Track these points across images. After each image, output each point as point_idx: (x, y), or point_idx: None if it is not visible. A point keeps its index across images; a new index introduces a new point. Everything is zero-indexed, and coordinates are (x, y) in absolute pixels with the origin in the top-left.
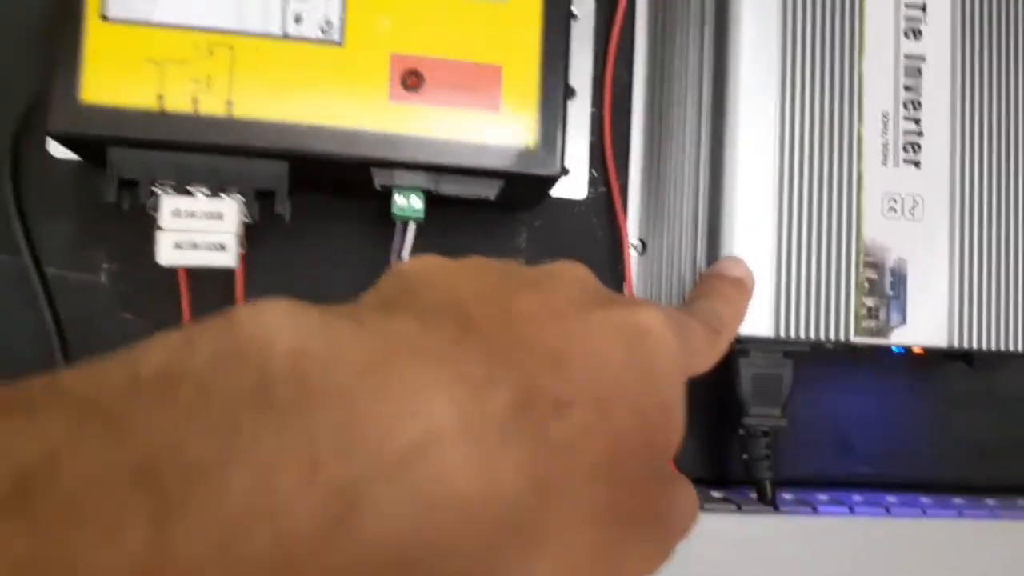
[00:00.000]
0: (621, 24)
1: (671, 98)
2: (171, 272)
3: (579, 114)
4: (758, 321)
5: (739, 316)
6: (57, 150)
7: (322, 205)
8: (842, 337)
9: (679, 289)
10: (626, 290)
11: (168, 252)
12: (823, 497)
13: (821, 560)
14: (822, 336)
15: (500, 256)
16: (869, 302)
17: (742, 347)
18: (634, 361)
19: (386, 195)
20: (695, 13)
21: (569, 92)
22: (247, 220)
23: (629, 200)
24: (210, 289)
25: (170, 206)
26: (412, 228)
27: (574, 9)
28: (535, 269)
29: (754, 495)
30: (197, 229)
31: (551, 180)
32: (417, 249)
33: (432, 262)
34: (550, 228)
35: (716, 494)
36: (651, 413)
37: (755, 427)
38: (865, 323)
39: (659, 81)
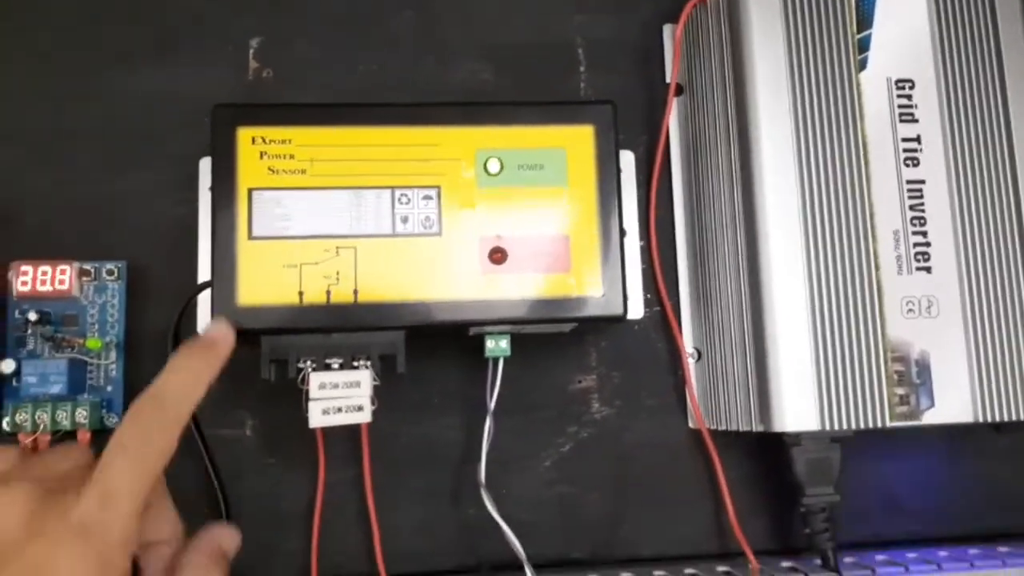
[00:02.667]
0: (659, 172)
1: (707, 228)
2: (299, 422)
3: (631, 248)
4: (805, 417)
5: (180, 383)
6: (203, 329)
7: (425, 350)
8: (879, 424)
9: (734, 390)
10: (687, 394)
11: (318, 417)
12: (880, 558)
13: None
14: (861, 425)
15: (578, 374)
16: (900, 391)
17: (793, 438)
18: None
19: (478, 337)
20: (723, 161)
21: (622, 234)
22: (376, 382)
23: (682, 315)
24: (340, 429)
25: (317, 380)
26: (501, 363)
27: (620, 164)
28: None
29: (818, 562)
30: (339, 396)
31: (617, 319)
32: (506, 377)
33: None
34: (616, 346)
35: (785, 564)
36: None
37: (813, 505)
38: (898, 409)
39: (695, 215)
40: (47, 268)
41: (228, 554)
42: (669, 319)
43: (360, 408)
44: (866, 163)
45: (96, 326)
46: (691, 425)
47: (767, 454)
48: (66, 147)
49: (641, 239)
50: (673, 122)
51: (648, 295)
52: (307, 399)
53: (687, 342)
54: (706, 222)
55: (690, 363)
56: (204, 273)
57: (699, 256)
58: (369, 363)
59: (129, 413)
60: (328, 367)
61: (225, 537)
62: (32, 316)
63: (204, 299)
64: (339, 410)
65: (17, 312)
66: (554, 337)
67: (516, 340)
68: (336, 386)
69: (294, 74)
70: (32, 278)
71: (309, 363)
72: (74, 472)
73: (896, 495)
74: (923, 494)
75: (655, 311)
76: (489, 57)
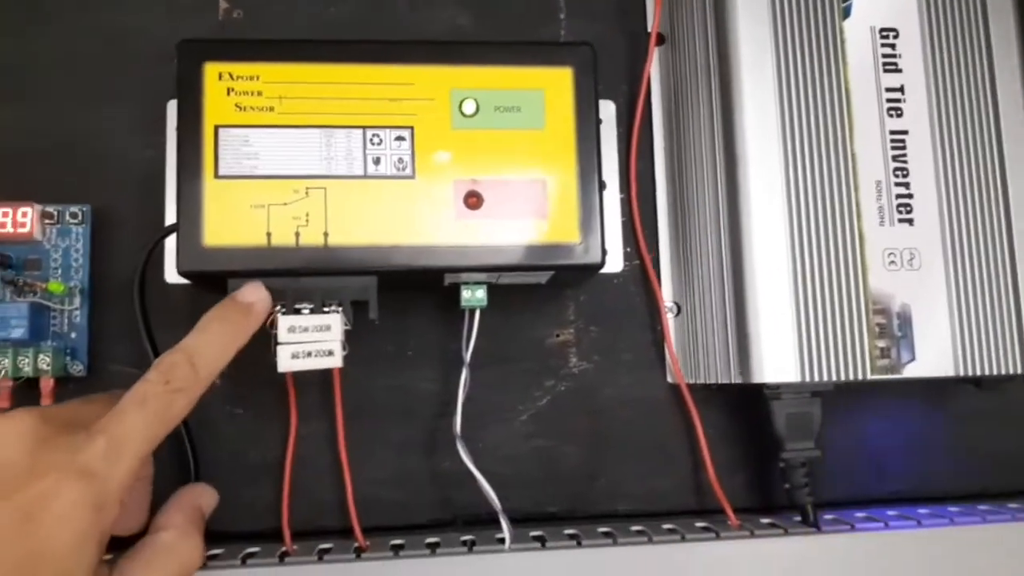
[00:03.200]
0: (640, 123)
1: (688, 180)
2: (271, 372)
3: (611, 201)
4: (784, 369)
5: (215, 345)
6: (172, 277)
7: (399, 301)
8: (860, 376)
9: (713, 343)
10: (666, 348)
11: (286, 361)
12: (860, 515)
13: (861, 572)
14: (842, 377)
15: (556, 327)
16: (881, 344)
17: (774, 391)
18: (13, 551)
19: (453, 288)
20: (705, 112)
21: (602, 186)
22: (348, 327)
23: (661, 269)
24: (311, 380)
25: (286, 324)
26: (477, 314)
27: (599, 115)
28: None
29: (798, 519)
30: (309, 340)
31: (595, 268)
32: (482, 330)
33: None
34: (594, 300)
35: (764, 520)
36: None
37: (793, 459)
38: (879, 362)
39: (676, 167)
40: (7, 209)
41: (206, 514)
42: (648, 272)
43: (330, 353)
44: (849, 113)
45: (59, 271)
46: (670, 380)
47: (746, 409)
48: (29, 84)
49: (621, 192)
50: (655, 72)
51: (628, 248)
52: (275, 343)
53: (666, 296)
54: (687, 174)
55: (669, 317)
56: (172, 218)
57: (680, 209)
58: (340, 309)
59: (159, 367)
60: (298, 312)
61: (204, 496)
62: None
63: (172, 244)
64: (309, 354)
65: None
66: (532, 290)
67: (493, 292)
68: (306, 330)
69: (265, 16)
70: None
71: (278, 308)
72: (89, 414)
73: (876, 454)
74: (903, 453)
75: (634, 265)
76: (466, 1)
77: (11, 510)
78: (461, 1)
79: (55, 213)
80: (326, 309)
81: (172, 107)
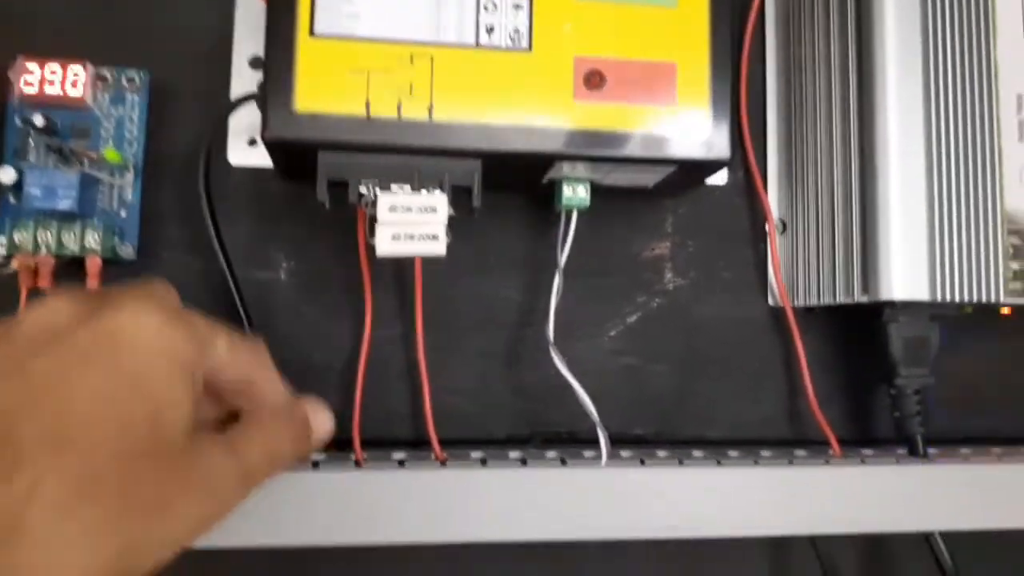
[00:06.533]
0: (753, 25)
1: (806, 87)
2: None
3: None
4: (915, 286)
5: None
6: (235, 158)
7: (484, 202)
8: (992, 298)
9: (826, 262)
10: (771, 267)
11: (386, 244)
12: (966, 451)
13: (978, 504)
14: (974, 298)
15: (651, 240)
16: (1015, 266)
17: (893, 313)
18: (102, 374)
19: (548, 188)
20: (834, 12)
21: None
22: (452, 213)
23: (768, 183)
24: (387, 279)
25: (387, 202)
26: (575, 216)
27: None
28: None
29: (902, 451)
30: (413, 221)
31: (720, 165)
32: (573, 239)
33: None
34: (693, 213)
35: (867, 452)
36: (134, 423)
37: (906, 386)
38: (1012, 285)
39: (792, 73)
40: (56, 67)
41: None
42: (756, 184)
43: (435, 237)
44: (993, 18)
45: (111, 142)
46: (770, 302)
47: (846, 336)
48: None
49: None
50: None
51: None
52: (373, 223)
53: (772, 212)
54: (804, 80)
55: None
56: (239, 92)
57: (794, 118)
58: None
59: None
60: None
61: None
62: (38, 121)
63: (237, 123)
64: (411, 237)
65: (19, 118)
66: (627, 198)
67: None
68: (409, 210)
69: None
70: (39, 79)
71: (372, 185)
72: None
73: (980, 391)
74: (1012, 392)
75: (739, 177)
76: None
77: (94, 333)
78: None
79: (109, 76)
80: (434, 191)
81: None
